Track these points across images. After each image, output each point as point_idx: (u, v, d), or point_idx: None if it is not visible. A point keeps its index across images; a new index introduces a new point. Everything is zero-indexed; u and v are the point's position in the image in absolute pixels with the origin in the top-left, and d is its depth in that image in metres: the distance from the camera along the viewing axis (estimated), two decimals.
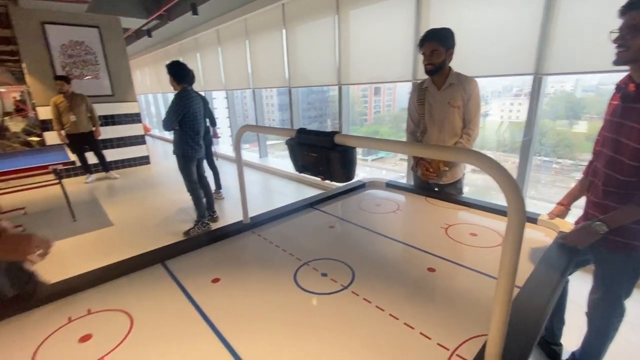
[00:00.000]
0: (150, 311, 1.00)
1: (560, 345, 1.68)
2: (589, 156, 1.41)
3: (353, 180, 2.18)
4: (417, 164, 2.13)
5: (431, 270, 1.19)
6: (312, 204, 1.84)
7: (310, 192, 3.99)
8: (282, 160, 6.12)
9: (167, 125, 2.97)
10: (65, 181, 3.81)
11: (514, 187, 0.61)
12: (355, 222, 1.62)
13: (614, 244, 1.21)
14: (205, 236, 1.46)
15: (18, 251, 0.95)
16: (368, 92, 7.50)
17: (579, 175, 1.51)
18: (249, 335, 0.89)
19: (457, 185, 2.09)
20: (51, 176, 3.68)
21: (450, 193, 2.02)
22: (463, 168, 2.10)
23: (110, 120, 5.86)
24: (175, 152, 3.12)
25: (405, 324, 0.92)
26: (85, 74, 5.54)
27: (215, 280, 1.15)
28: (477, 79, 1.96)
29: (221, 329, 0.91)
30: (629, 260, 1.24)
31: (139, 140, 6.26)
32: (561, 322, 1.64)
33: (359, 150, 0.97)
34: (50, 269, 1.14)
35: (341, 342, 0.86)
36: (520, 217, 0.62)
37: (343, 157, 0.90)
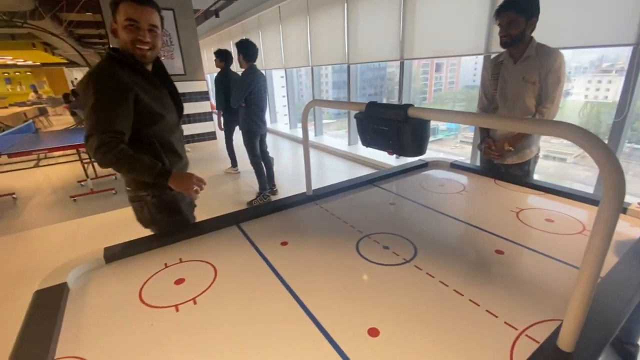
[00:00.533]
0: (230, 264, 1.13)
1: (637, 345, 1.52)
2: None
3: (414, 159, 2.15)
4: (483, 140, 2.00)
5: (499, 252, 1.15)
6: (372, 180, 1.86)
7: (364, 171, 4.00)
8: (336, 139, 6.16)
9: (235, 101, 3.16)
10: None
11: (613, 161, 0.57)
12: (417, 200, 1.60)
13: None
14: (273, 204, 1.58)
15: (184, 185, 1.29)
16: (429, 68, 7.05)
17: None
18: (315, 292, 0.97)
19: (524, 167, 1.92)
20: None
21: (522, 176, 1.87)
22: (535, 150, 1.92)
23: (183, 97, 6.37)
24: (241, 128, 3.32)
25: (470, 300, 0.92)
26: (162, 54, 6.06)
27: (284, 244, 1.25)
28: (563, 51, 1.74)
29: (290, 284, 1.01)
30: None
31: (206, 117, 6.76)
32: None
33: None
34: (122, 231, 1.34)
35: (402, 311, 0.90)
36: (618, 198, 0.57)
37: (416, 130, 0.90)
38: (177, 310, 0.93)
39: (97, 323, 0.90)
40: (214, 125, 6.85)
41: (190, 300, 0.97)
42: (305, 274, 1.07)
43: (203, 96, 6.58)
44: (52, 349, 0.80)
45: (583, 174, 4.24)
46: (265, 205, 1.55)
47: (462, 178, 1.89)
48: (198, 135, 6.74)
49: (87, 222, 3.32)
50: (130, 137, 1.26)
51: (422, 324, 0.85)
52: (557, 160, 4.65)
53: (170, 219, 1.44)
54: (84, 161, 4.18)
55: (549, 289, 0.96)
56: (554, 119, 1.77)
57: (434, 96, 7.20)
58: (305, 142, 1.54)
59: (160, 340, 0.83)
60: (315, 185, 1.79)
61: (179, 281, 1.06)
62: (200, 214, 1.56)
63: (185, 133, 6.36)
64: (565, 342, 0.71)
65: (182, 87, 6.27)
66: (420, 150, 0.94)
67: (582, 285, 0.65)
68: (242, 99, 3.12)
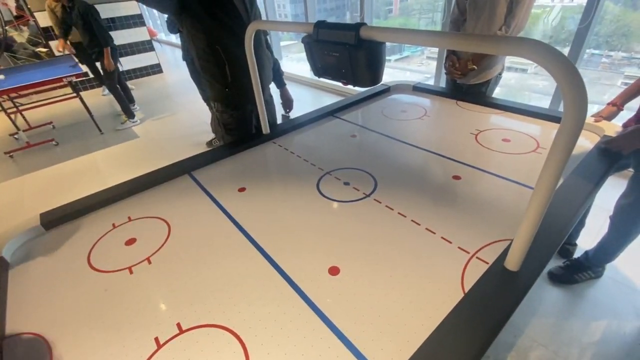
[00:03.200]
0: (184, 217, 1.07)
1: (575, 245, 1.74)
2: None
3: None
4: (447, 58, 1.90)
5: (456, 178, 1.16)
6: (332, 112, 1.75)
7: (330, 100, 3.80)
8: (297, 64, 5.71)
9: (170, 26, 2.72)
10: (82, 94, 3.80)
11: (573, 74, 0.51)
12: (379, 130, 1.55)
13: None
14: (227, 147, 1.46)
15: None
16: None
17: (631, 72, 1.29)
18: (274, 237, 0.95)
19: (484, 87, 1.87)
20: (68, 89, 3.65)
21: (483, 95, 1.84)
22: (500, 69, 1.86)
23: (112, 24, 5.43)
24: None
25: (426, 229, 0.95)
26: None
27: (242, 189, 1.18)
28: None
29: (250, 231, 0.98)
30: None
31: (146, 46, 5.91)
32: (581, 224, 1.66)
33: None
34: (91, 179, 1.20)
35: (362, 246, 0.91)
36: (579, 115, 0.53)
37: (370, 55, 0.78)
38: (130, 272, 0.88)
39: (45, 296, 0.84)
40: (156, 56, 6.05)
41: (144, 260, 0.92)
42: (265, 219, 1.04)
43: (137, 21, 5.64)
44: (0, 327, 0.75)
45: (541, 83, 4.33)
46: (217, 150, 1.44)
47: (424, 101, 1.83)
48: (140, 69, 5.96)
49: (30, 180, 3.04)
50: None
51: (380, 257, 0.87)
52: (518, 71, 4.67)
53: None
54: (9, 111, 3.63)
55: (501, 210, 1.00)
56: (518, 35, 1.67)
57: (400, 7, 6.65)
58: (253, 73, 1.36)
59: (116, 306, 0.79)
60: (278, 119, 1.67)
61: (130, 241, 0.99)
62: (156, 163, 1.41)
63: (125, 67, 5.65)
64: (512, 262, 0.75)
65: (106, 10, 5.27)
66: (376, 78, 0.84)
67: (534, 208, 0.65)
68: None
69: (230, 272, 0.86)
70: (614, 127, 1.29)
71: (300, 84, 5.07)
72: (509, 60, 1.78)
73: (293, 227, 1.00)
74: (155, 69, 6.12)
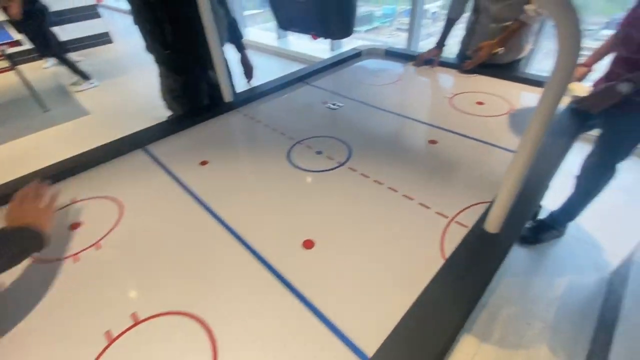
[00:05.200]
0: (139, 196, 0.95)
1: (540, 206, 1.80)
2: (602, 19, 1.16)
3: (347, 49, 1.92)
4: (468, 43, 1.65)
5: (433, 142, 1.12)
6: (302, 77, 1.63)
7: (297, 68, 3.65)
8: (264, 32, 5.38)
9: None
10: (20, 67, 3.35)
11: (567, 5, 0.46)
12: (351, 96, 1.46)
13: (629, 106, 1.12)
14: (187, 117, 1.32)
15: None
16: None
17: (587, 43, 1.27)
18: (243, 213, 0.87)
19: (516, 64, 1.62)
20: (2, 62, 3.20)
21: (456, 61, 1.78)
22: (531, 46, 1.63)
23: None
24: (136, 22, 2.63)
25: (404, 195, 0.90)
26: None
27: (204, 163, 1.07)
28: None
29: (215, 208, 0.88)
30: (638, 120, 1.17)
31: (89, 12, 5.27)
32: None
33: None
34: (37, 163, 1.04)
35: (337, 217, 0.85)
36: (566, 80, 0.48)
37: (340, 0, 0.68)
38: (76, 260, 0.77)
39: None
40: (103, 23, 5.43)
41: (92, 245, 0.80)
42: (231, 194, 0.94)
43: None
44: None
45: None
46: (176, 120, 1.30)
47: (397, 66, 1.75)
48: (85, 39, 5.33)
49: None
50: None
51: (357, 227, 0.81)
52: None
53: None
54: None
55: (477, 173, 0.97)
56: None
57: None
58: (210, 35, 1.21)
59: (59, 300, 0.69)
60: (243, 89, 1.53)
61: (75, 226, 0.87)
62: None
63: (68, 37, 5.04)
64: (492, 225, 0.72)
65: None
66: (348, 28, 0.74)
67: (516, 168, 0.62)
68: None
69: (193, 253, 0.77)
70: (585, 87, 1.29)
71: (266, 53, 4.80)
72: None
73: (262, 201, 0.92)
74: (103, 38, 5.51)
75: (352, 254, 0.75)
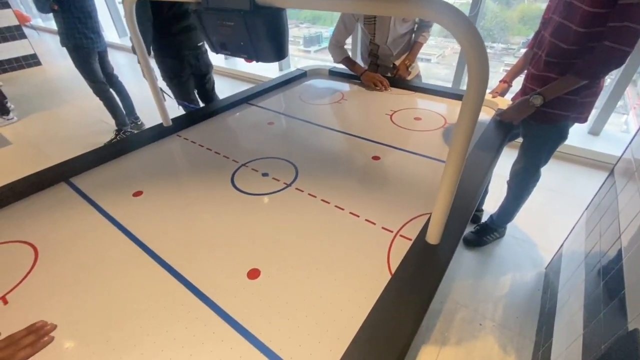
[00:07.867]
0: (57, 237, 0.84)
1: (482, 210, 1.94)
2: (521, 39, 1.33)
3: (292, 70, 1.94)
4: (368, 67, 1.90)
5: (376, 158, 1.15)
6: (246, 98, 1.61)
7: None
8: (211, 54, 5.29)
9: (39, 3, 2.21)
10: None
11: (474, 34, 0.49)
12: (297, 116, 1.47)
13: (542, 117, 1.26)
14: (118, 145, 1.22)
15: None
16: None
17: (509, 60, 1.44)
18: (182, 246, 0.80)
19: (417, 79, 1.94)
20: None
21: (395, 78, 1.89)
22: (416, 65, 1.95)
23: None
24: (63, 44, 2.44)
25: (350, 212, 0.90)
26: None
27: (137, 194, 0.99)
28: None
29: (149, 243, 0.81)
30: (553, 130, 1.31)
31: (13, 33, 4.81)
32: (485, 191, 1.84)
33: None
34: None
35: (286, 239, 0.82)
36: (480, 88, 0.52)
37: (269, 24, 0.68)
38: None
39: None
40: (30, 44, 4.98)
41: None
42: (168, 227, 0.87)
43: None
44: None
45: (443, 72, 4.78)
46: (106, 149, 1.19)
47: (341, 85, 1.80)
48: (8, 61, 4.83)
49: None
50: None
51: (305, 250, 0.79)
52: (424, 61, 5.08)
53: None
54: None
55: (418, 186, 1.01)
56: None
57: None
58: (142, 57, 1.15)
59: None
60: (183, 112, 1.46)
61: None
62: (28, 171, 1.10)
63: None
64: (432, 236, 0.74)
65: None
66: (280, 51, 0.74)
67: (448, 179, 0.64)
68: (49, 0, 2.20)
69: (122, 297, 0.69)
70: (506, 101, 1.43)
71: (215, 74, 4.70)
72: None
73: (204, 231, 0.86)
74: (30, 60, 5.04)
75: (300, 279, 0.72)
